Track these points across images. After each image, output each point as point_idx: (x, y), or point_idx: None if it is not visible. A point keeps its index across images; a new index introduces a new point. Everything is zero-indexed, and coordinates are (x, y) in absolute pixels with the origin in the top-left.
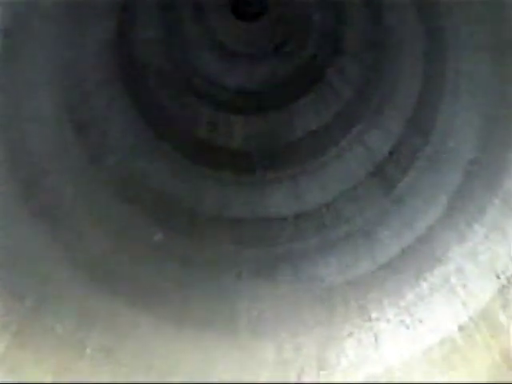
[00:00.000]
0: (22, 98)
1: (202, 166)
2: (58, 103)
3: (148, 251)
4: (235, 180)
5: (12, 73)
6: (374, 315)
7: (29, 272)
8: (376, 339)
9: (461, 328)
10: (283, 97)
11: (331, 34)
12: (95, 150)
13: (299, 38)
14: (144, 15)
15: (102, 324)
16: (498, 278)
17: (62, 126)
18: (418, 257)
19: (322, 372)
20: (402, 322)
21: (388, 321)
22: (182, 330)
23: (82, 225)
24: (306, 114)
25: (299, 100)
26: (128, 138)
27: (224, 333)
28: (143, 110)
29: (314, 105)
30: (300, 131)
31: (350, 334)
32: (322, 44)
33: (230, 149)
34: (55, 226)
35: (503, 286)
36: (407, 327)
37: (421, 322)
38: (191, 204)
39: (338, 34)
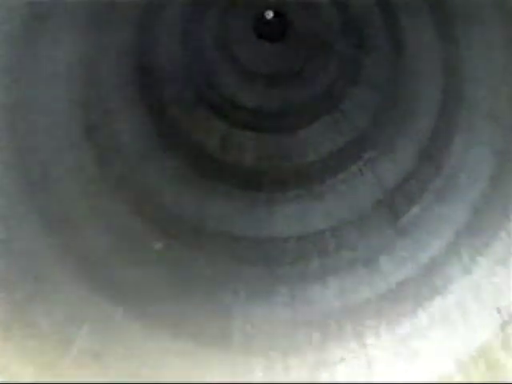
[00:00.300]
0: (36, 90)
1: (210, 181)
2: (72, 100)
3: (147, 259)
4: (242, 197)
5: (30, 63)
6: (368, 341)
7: (24, 267)
8: (369, 366)
9: (458, 364)
10: (298, 120)
11: (351, 62)
12: (103, 152)
13: (319, 63)
14: (164, 24)
15: (91, 325)
16: (499, 313)
17: (73, 124)
18: (418, 288)
19: None
20: (397, 352)
21: (383, 349)
22: (175, 341)
23: (82, 225)
24: (318, 138)
25: (313, 124)
26: (138, 145)
27: (216, 346)
28: (156, 119)
29: (328, 130)
30: (312, 155)
31: (343, 360)
32: (340, 71)
33: (239, 166)
34: (55, 224)
35: (504, 322)
36: (402, 358)
37: (417, 354)
38: (196, 217)
39: (357, 63)
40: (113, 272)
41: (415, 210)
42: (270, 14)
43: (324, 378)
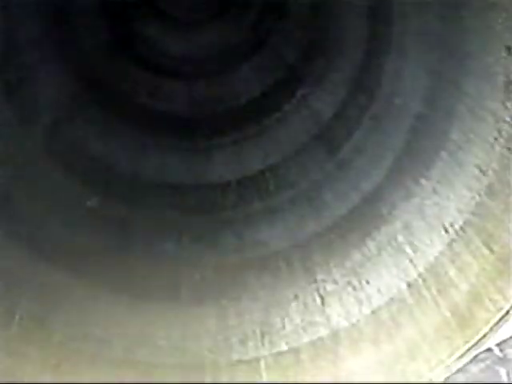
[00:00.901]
0: None
1: (142, 132)
2: None
3: (83, 216)
4: (176, 146)
5: None
6: (319, 277)
7: None
8: (322, 302)
9: (409, 285)
10: (226, 62)
11: None
12: (28, 111)
13: (243, 1)
14: None
15: (32, 291)
16: (447, 231)
17: None
18: (364, 217)
19: (266, 337)
20: (348, 283)
21: (334, 282)
22: (120, 297)
23: (11, 189)
24: (249, 79)
25: (242, 66)
26: (62, 101)
27: (165, 300)
28: (78, 72)
29: (258, 70)
30: (243, 97)
31: (295, 297)
32: (266, 8)
33: (170, 114)
34: None
35: (452, 240)
36: (354, 288)
37: (368, 282)
38: (130, 170)
39: None
40: (49, 234)
41: (353, 140)
42: None
43: (278, 319)
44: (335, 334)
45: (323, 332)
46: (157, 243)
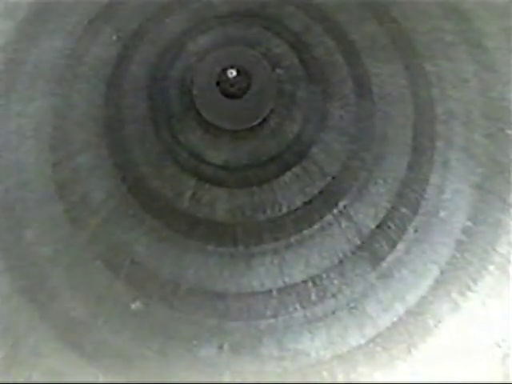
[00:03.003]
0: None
1: (184, 237)
2: (42, 158)
3: (126, 319)
4: (218, 252)
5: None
6: None
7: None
8: None
9: None
10: (267, 172)
11: (316, 110)
12: (76, 211)
13: (284, 113)
14: (132, 81)
15: None
16: (499, 346)
17: (43, 183)
18: (409, 329)
19: None
20: None
21: None
22: None
23: (58, 286)
24: (290, 189)
25: (283, 176)
26: (110, 203)
27: None
28: (125, 176)
29: (299, 181)
30: (284, 207)
31: None
32: (307, 119)
33: (212, 221)
34: (30, 285)
35: (504, 355)
36: None
37: None
38: (172, 274)
39: (323, 109)
40: (91, 334)
41: (396, 251)
42: (232, 73)
43: None
44: None
45: None
46: (198, 350)
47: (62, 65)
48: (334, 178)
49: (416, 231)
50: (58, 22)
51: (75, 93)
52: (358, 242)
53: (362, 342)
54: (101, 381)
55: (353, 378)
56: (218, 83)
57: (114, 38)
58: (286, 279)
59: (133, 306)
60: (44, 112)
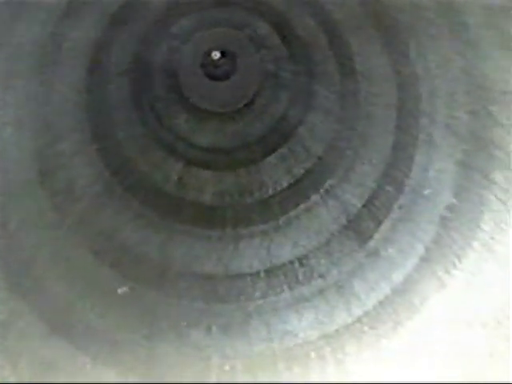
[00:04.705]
0: None
1: (172, 220)
2: (24, 145)
3: (113, 304)
4: (205, 235)
5: None
6: (352, 369)
7: None
8: None
9: None
10: (253, 154)
11: (301, 90)
12: (60, 197)
13: (270, 95)
14: (115, 67)
15: (61, 376)
16: (483, 324)
17: (27, 169)
18: (395, 307)
19: None
20: (379, 369)
21: (364, 372)
22: None
23: (44, 273)
24: (276, 171)
25: (270, 157)
26: (94, 189)
27: None
28: (109, 160)
29: (285, 162)
30: (271, 188)
31: None
32: (292, 100)
33: (200, 204)
34: (15, 272)
35: (488, 333)
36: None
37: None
38: (160, 259)
39: (308, 90)
40: (79, 320)
41: (382, 230)
42: (217, 55)
43: None
44: None
45: None
46: (187, 333)
47: (41, 50)
48: (320, 158)
49: (401, 209)
50: (36, 5)
51: (55, 78)
52: (345, 222)
53: (349, 321)
54: (89, 368)
55: (340, 357)
56: (202, 65)
57: (94, 21)
58: (274, 260)
59: (119, 291)
60: (24, 98)
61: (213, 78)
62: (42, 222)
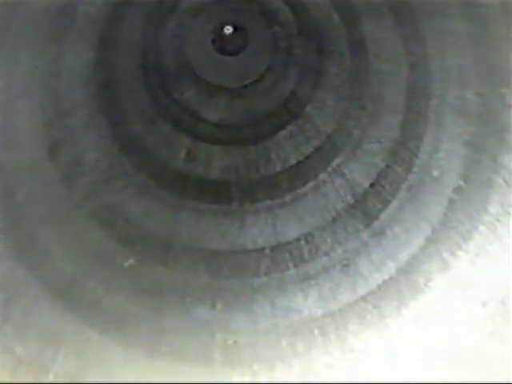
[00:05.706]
0: None
1: (178, 195)
2: (33, 119)
3: (119, 278)
4: (211, 210)
5: None
6: (355, 347)
7: None
8: (357, 370)
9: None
10: (262, 130)
11: (312, 67)
12: (68, 170)
13: (279, 71)
14: (125, 39)
15: (67, 349)
16: (486, 305)
17: (35, 143)
18: (399, 287)
19: None
20: (384, 352)
21: (369, 353)
22: (154, 359)
23: (50, 246)
24: (284, 148)
25: (278, 134)
26: (102, 163)
27: (198, 362)
28: (118, 135)
29: (293, 139)
30: (278, 165)
31: (330, 367)
32: (302, 77)
33: (206, 179)
34: (22, 244)
35: (491, 314)
36: (389, 359)
37: (403, 353)
38: (166, 233)
39: (319, 68)
40: (85, 293)
41: (389, 209)
42: (229, 29)
43: None
44: None
45: None
46: (191, 308)
47: (50, 24)
48: (328, 136)
49: (409, 190)
50: None
51: (65, 52)
52: (352, 201)
53: (353, 299)
54: (96, 341)
55: (343, 335)
56: (213, 40)
57: None
58: (279, 237)
59: (126, 264)
60: (33, 72)
61: (223, 52)
62: (49, 195)
